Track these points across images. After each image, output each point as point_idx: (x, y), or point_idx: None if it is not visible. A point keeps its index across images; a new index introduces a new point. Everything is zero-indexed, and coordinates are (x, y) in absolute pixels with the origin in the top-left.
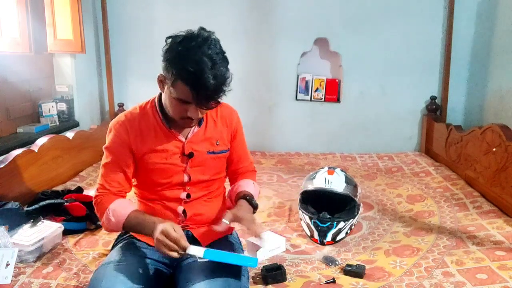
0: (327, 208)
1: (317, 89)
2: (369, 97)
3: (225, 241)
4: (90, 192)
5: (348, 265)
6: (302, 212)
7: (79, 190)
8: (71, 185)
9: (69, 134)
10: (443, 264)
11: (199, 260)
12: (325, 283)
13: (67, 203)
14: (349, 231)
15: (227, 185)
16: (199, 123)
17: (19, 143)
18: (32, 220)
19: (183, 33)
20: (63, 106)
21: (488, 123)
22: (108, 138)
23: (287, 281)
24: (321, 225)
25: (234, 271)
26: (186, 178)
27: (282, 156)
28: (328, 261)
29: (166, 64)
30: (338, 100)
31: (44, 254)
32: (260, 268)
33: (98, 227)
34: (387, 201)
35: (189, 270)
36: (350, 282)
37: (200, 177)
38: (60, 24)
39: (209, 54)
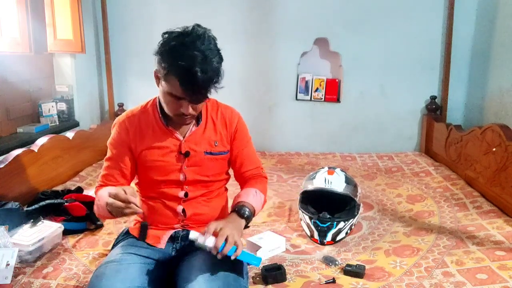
0: (327, 208)
1: (317, 89)
2: (369, 97)
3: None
4: (90, 192)
5: (348, 265)
6: (302, 212)
7: (79, 190)
8: (71, 185)
9: (69, 134)
10: (443, 264)
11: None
12: (325, 283)
13: (67, 203)
14: (349, 231)
15: (229, 185)
16: (198, 122)
17: (19, 143)
18: (32, 220)
19: (179, 29)
20: (63, 106)
21: (488, 123)
22: (111, 135)
23: (287, 281)
24: (321, 225)
25: (234, 271)
26: (181, 177)
27: (282, 156)
28: (328, 261)
29: (159, 59)
30: (338, 100)
31: (44, 254)
32: (260, 268)
33: (98, 227)
34: (387, 201)
35: (188, 270)
36: (350, 282)
37: (196, 177)
38: (60, 24)
39: (201, 49)
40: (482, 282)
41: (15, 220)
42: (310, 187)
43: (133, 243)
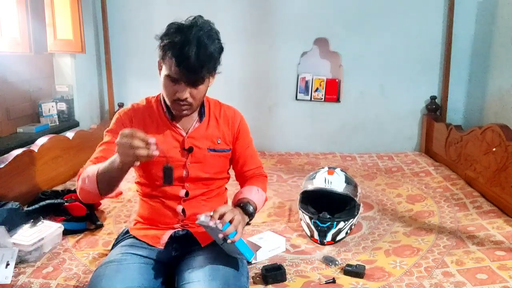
0: (327, 208)
1: (317, 89)
2: (369, 97)
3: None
4: None
5: (348, 265)
6: (302, 212)
7: None
8: (71, 185)
9: (69, 134)
10: (443, 264)
11: (211, 228)
12: (325, 283)
13: (67, 203)
14: (349, 231)
15: (228, 186)
16: (201, 118)
17: (19, 143)
18: (32, 220)
19: (179, 21)
20: (63, 106)
21: (488, 123)
22: (111, 123)
23: (287, 281)
24: (321, 225)
25: (234, 271)
26: (184, 173)
27: (282, 156)
28: (328, 261)
29: (160, 43)
30: (338, 100)
31: (44, 254)
32: (260, 268)
33: (98, 227)
34: (387, 201)
35: (188, 270)
36: (350, 282)
37: (199, 174)
38: (60, 24)
39: (198, 34)
40: (482, 282)
41: (15, 220)
42: (310, 187)
43: (133, 243)
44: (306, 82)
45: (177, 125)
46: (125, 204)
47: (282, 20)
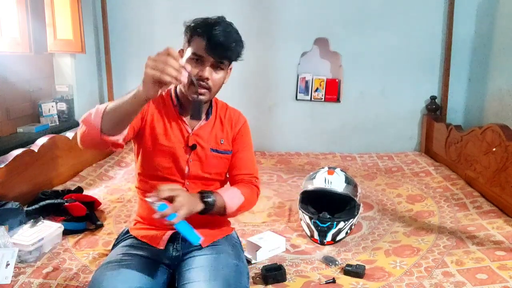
0: (327, 208)
1: (317, 89)
2: (369, 97)
3: (226, 241)
4: (90, 192)
5: (348, 265)
6: (302, 212)
7: (79, 190)
8: (71, 185)
9: (69, 134)
10: (443, 264)
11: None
12: (325, 283)
13: (67, 203)
14: (349, 231)
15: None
16: (207, 117)
17: (19, 143)
18: (32, 220)
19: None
20: (63, 106)
21: (488, 123)
22: None
23: (287, 281)
24: (321, 225)
25: (234, 271)
26: (186, 169)
27: (282, 156)
28: (328, 261)
29: (186, 30)
30: (338, 100)
31: (44, 254)
32: (260, 268)
33: (98, 227)
34: (387, 201)
35: (189, 270)
36: (350, 282)
37: (199, 172)
38: (60, 24)
39: (227, 22)
40: (482, 282)
41: (15, 220)
42: (310, 187)
43: (133, 243)
44: (306, 82)
45: (185, 121)
46: (125, 204)
47: (282, 20)
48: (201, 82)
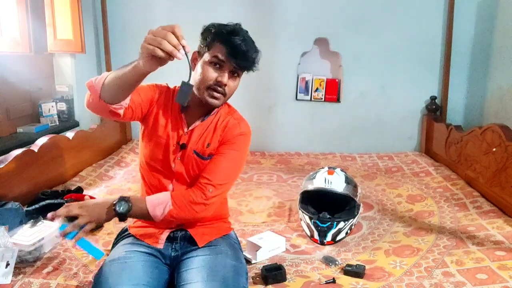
0: (327, 208)
1: (317, 89)
2: (369, 97)
3: (224, 241)
4: (90, 192)
5: (348, 265)
6: (302, 212)
7: (79, 190)
8: (71, 185)
9: (69, 134)
10: (443, 264)
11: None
12: (325, 283)
13: (67, 203)
14: (349, 231)
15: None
16: (204, 117)
17: (19, 143)
18: (32, 220)
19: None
20: (63, 106)
21: (488, 123)
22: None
23: (287, 281)
24: (321, 225)
25: (232, 272)
26: (173, 166)
27: (282, 156)
28: (328, 261)
29: (204, 35)
30: (338, 100)
31: (44, 254)
32: (260, 268)
33: (98, 227)
34: (387, 201)
35: (188, 270)
36: (350, 282)
37: (183, 172)
38: (60, 24)
39: (245, 34)
40: (482, 282)
41: (15, 220)
42: (310, 187)
43: (134, 241)
44: (306, 82)
45: (184, 118)
46: None
47: (282, 20)
48: (218, 88)
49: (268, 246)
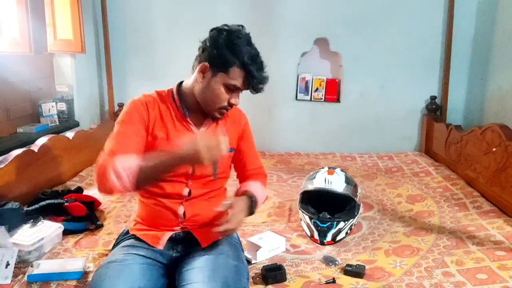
0: (327, 208)
1: (317, 89)
2: (369, 97)
3: (225, 241)
4: (90, 192)
5: (348, 265)
6: (302, 212)
7: (79, 190)
8: (71, 185)
9: (69, 134)
10: (443, 264)
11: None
12: (325, 283)
13: (67, 203)
14: (349, 231)
15: (228, 186)
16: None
17: (19, 143)
18: (32, 220)
19: (226, 27)
20: (63, 106)
21: (488, 123)
22: (124, 113)
23: (287, 281)
24: (321, 225)
25: (233, 272)
26: (190, 171)
27: (282, 156)
28: (328, 261)
29: (217, 52)
30: (338, 100)
31: (44, 254)
32: (260, 268)
33: (98, 227)
34: (387, 201)
35: (188, 271)
36: (350, 282)
37: (204, 172)
38: (60, 24)
39: (255, 48)
40: (482, 282)
41: (15, 220)
42: (310, 187)
43: (133, 243)
44: (306, 82)
45: (191, 123)
46: (125, 204)
47: (282, 20)
48: (228, 107)
49: (268, 246)
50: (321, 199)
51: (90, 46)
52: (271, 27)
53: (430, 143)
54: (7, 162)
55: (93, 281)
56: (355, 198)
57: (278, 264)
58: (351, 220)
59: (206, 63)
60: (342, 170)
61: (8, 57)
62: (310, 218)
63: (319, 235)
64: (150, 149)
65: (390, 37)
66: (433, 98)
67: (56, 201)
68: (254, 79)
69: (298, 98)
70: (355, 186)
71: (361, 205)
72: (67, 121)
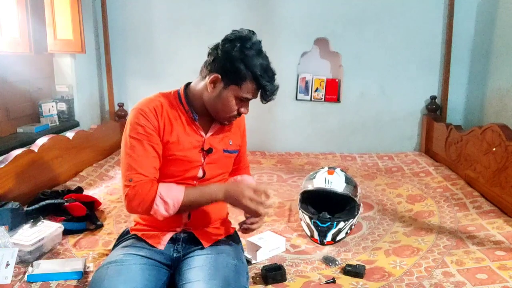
0: (327, 208)
1: (317, 89)
2: (369, 97)
3: (226, 242)
4: (90, 192)
5: (348, 265)
6: (302, 212)
7: (79, 190)
8: (71, 185)
9: (69, 134)
10: (443, 264)
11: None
12: (325, 283)
13: (67, 203)
14: (349, 231)
15: None
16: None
17: (19, 143)
18: (32, 220)
19: (238, 36)
20: (63, 106)
21: (488, 123)
22: (135, 124)
23: (287, 281)
24: (321, 225)
25: (234, 271)
26: (200, 173)
27: (282, 156)
28: (328, 261)
29: (230, 65)
30: (338, 100)
31: (44, 254)
32: (260, 268)
33: (98, 227)
34: (387, 201)
35: (189, 270)
36: (350, 282)
37: (214, 173)
38: (60, 24)
39: (266, 58)
40: (482, 282)
41: (15, 220)
42: (310, 187)
43: (134, 243)
44: (306, 82)
45: (199, 126)
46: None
47: (282, 20)
48: (237, 116)
49: (268, 246)
50: (321, 199)
51: (90, 46)
52: (271, 27)
53: (430, 143)
54: (7, 162)
55: (93, 281)
56: (355, 198)
57: (278, 264)
58: (351, 220)
59: (218, 75)
60: (342, 170)
61: (8, 57)
62: (310, 218)
63: (319, 235)
64: (166, 155)
65: (390, 37)
66: (433, 98)
67: (56, 201)
68: (267, 91)
69: (298, 98)
70: (355, 186)
71: (361, 205)
72: (67, 121)
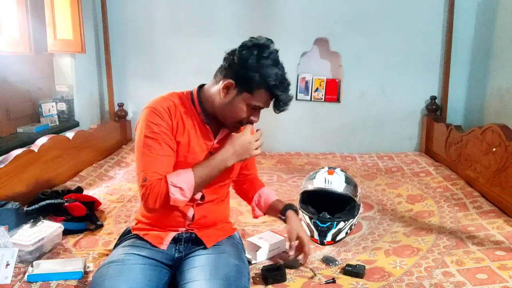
0: (327, 208)
1: (317, 89)
2: (369, 97)
3: (228, 242)
4: (90, 192)
5: (348, 265)
6: (302, 212)
7: (79, 190)
8: (71, 185)
9: (69, 134)
10: (443, 264)
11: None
12: (325, 283)
13: (67, 203)
14: (349, 231)
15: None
16: None
17: (19, 143)
18: (32, 220)
19: (255, 42)
20: (63, 106)
21: (488, 123)
22: (150, 123)
23: (287, 281)
24: (321, 225)
25: (234, 271)
26: None
27: (282, 156)
28: (328, 261)
29: (245, 73)
30: (338, 100)
31: (44, 254)
32: (260, 268)
33: (98, 227)
34: (387, 201)
35: (190, 270)
36: (350, 282)
37: (220, 177)
38: (60, 24)
39: (282, 68)
40: (482, 282)
41: (15, 220)
42: (310, 187)
43: (135, 243)
44: (306, 82)
45: (209, 128)
46: (125, 204)
47: (282, 20)
48: (246, 123)
49: (268, 246)
50: (321, 199)
51: (90, 46)
52: (271, 27)
53: (430, 143)
54: (7, 162)
55: (93, 281)
56: (355, 198)
57: (278, 264)
58: (351, 220)
59: (232, 81)
60: (342, 170)
61: (8, 57)
62: (310, 218)
63: (319, 235)
64: (178, 151)
65: (390, 37)
66: (433, 98)
67: (56, 201)
68: (281, 101)
69: (298, 98)
70: (355, 186)
71: (361, 205)
72: (67, 121)
